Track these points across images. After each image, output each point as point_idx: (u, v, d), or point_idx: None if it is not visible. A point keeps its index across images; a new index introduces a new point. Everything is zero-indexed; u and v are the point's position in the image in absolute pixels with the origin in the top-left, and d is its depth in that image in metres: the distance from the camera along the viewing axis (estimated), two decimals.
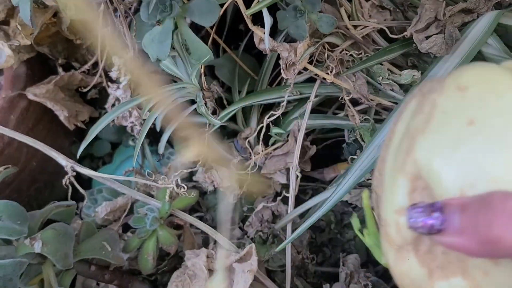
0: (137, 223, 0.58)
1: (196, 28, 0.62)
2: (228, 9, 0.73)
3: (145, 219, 0.58)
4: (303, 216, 0.64)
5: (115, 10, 0.62)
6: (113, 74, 0.64)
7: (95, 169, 0.86)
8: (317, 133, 0.72)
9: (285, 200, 0.65)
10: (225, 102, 0.70)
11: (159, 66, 0.64)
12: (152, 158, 0.76)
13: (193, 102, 0.66)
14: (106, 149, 0.86)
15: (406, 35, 0.56)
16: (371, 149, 0.54)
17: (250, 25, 0.50)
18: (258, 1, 0.46)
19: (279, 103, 0.66)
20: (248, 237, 0.67)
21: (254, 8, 0.46)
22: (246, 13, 0.47)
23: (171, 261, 0.64)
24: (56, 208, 0.56)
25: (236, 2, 0.48)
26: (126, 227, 0.70)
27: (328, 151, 0.77)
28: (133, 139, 0.78)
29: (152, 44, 0.53)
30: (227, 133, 0.76)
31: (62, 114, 0.70)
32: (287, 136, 0.64)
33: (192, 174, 0.71)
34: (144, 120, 0.66)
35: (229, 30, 0.75)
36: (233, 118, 0.70)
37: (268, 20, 0.47)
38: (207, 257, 0.54)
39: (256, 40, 0.53)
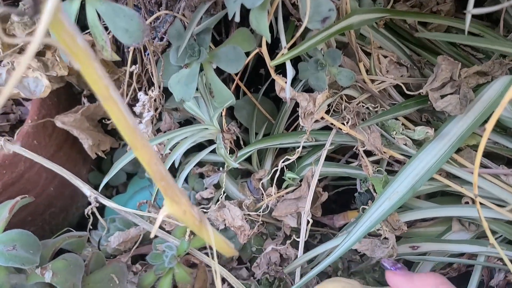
0: (154, 259, 0.59)
1: (219, 71, 0.65)
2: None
3: (163, 256, 0.59)
4: (311, 261, 0.65)
5: (145, 49, 0.66)
6: (137, 109, 0.66)
7: (109, 198, 0.88)
8: (329, 179, 0.73)
9: (294, 244, 0.66)
10: (241, 142, 0.72)
11: (181, 104, 0.66)
12: None
13: (211, 140, 0.68)
14: (121, 179, 0.88)
15: (422, 92, 0.58)
16: (383, 200, 0.55)
17: (273, 74, 0.53)
18: (282, 53, 0.49)
19: (294, 147, 0.68)
20: (254, 278, 0.68)
21: (278, 60, 0.49)
22: (271, 64, 0.49)
23: None
24: (68, 238, 0.58)
25: (261, 52, 0.51)
26: (134, 258, 0.71)
27: (338, 198, 0.78)
28: None
29: (178, 85, 0.56)
30: (241, 173, 0.77)
31: (86, 143, 0.73)
32: (300, 181, 0.66)
33: (204, 210, 0.72)
34: (162, 154, 0.68)
35: (250, 73, 0.78)
36: (248, 159, 0.72)
37: (290, 72, 0.49)
38: None
39: (277, 88, 0.56)
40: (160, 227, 0.64)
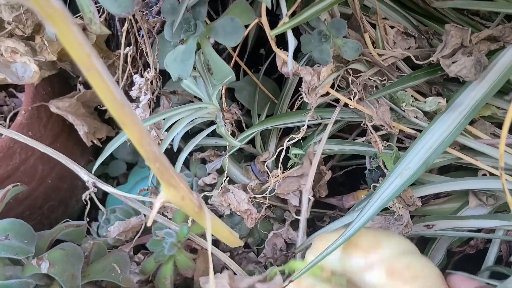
0: (154, 246, 0.57)
1: (217, 51, 0.63)
2: (250, 34, 0.73)
3: (163, 243, 0.56)
4: None
5: (139, 29, 0.63)
6: (133, 93, 0.63)
7: None
8: (336, 159, 0.71)
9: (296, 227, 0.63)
10: (243, 125, 0.69)
11: (180, 86, 0.63)
12: None
13: (211, 124, 0.66)
14: (121, 169, 0.86)
15: (432, 60, 0.55)
16: (394, 176, 0.52)
17: (273, 47, 0.50)
18: (284, 22, 0.46)
19: (298, 127, 0.65)
20: (262, 264, 0.65)
21: (279, 29, 0.46)
22: (271, 33, 0.46)
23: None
24: (66, 228, 0.55)
25: (261, 23, 0.48)
26: (137, 248, 0.68)
27: (346, 180, 0.75)
28: None
29: (174, 63, 0.53)
30: (245, 157, 0.75)
31: (82, 129, 0.70)
32: None
33: (207, 197, 0.69)
34: (161, 140, 0.65)
35: (250, 54, 0.75)
36: (251, 142, 0.69)
37: (292, 42, 0.46)
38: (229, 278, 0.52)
39: (278, 63, 0.53)
40: (162, 213, 0.62)
